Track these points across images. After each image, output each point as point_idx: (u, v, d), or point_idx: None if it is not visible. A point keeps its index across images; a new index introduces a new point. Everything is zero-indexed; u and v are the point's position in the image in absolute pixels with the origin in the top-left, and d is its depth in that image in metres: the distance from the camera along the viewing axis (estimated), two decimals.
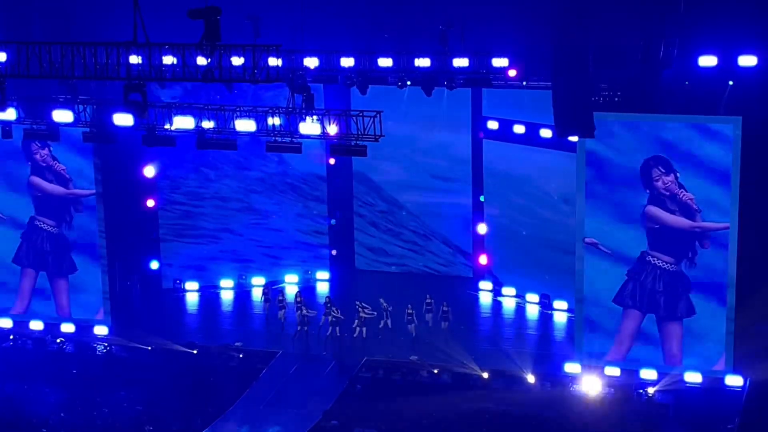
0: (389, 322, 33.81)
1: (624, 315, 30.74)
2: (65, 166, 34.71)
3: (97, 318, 34.75)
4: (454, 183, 39.40)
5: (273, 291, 35.96)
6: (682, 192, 29.91)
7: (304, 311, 34.21)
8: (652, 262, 30.40)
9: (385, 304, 34.03)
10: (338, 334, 33.72)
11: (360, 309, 33.93)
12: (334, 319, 33.81)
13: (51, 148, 34.36)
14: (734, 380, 29.89)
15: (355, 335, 33.69)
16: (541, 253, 36.30)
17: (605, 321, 30.94)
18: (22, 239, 35.66)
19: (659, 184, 30.01)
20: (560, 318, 35.22)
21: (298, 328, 34.20)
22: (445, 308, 33.87)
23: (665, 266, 30.30)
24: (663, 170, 29.83)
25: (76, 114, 27.49)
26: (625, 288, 30.66)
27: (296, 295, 35.53)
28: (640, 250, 30.36)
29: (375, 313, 33.76)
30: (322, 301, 35.45)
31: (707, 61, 28.48)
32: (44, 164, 34.95)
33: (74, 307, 35.27)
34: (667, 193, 30.01)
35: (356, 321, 33.89)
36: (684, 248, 30.06)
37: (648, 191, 30.10)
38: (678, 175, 29.74)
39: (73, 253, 35.17)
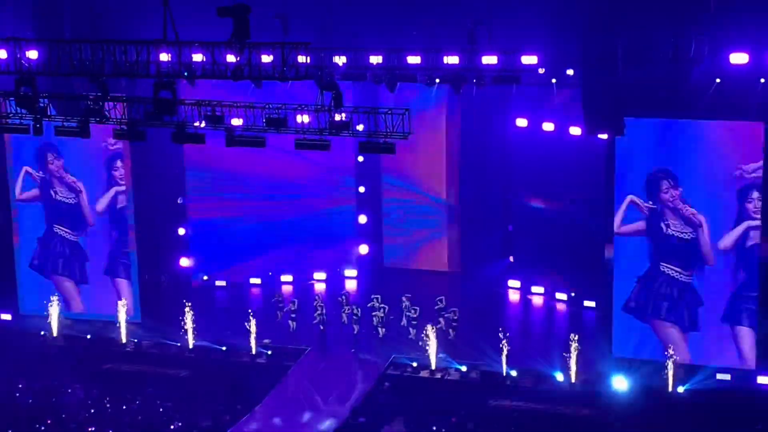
0: (405, 320, 33.95)
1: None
2: (76, 177, 35.38)
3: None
4: (482, 180, 39.35)
5: (285, 301, 35.89)
6: (685, 207, 29.87)
7: (321, 312, 34.41)
8: (664, 270, 30.40)
9: (406, 303, 34.19)
10: (355, 332, 33.86)
11: (377, 306, 34.08)
12: (353, 316, 33.93)
13: (64, 161, 35.30)
14: (765, 380, 29.69)
15: (380, 336, 33.79)
16: (570, 252, 36.20)
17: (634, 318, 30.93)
18: (39, 245, 36.34)
19: (667, 196, 29.97)
20: (589, 316, 35.08)
21: (321, 328, 34.35)
22: (453, 316, 33.72)
23: (676, 276, 30.29)
24: (672, 183, 29.79)
25: (107, 112, 27.59)
26: (635, 295, 30.79)
27: (316, 297, 35.52)
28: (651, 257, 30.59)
29: (382, 313, 33.85)
30: (342, 298, 35.60)
31: (738, 58, 28.25)
32: (57, 175, 35.55)
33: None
34: (672, 207, 29.99)
35: (374, 320, 34.01)
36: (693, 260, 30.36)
37: (651, 202, 30.11)
38: (682, 190, 29.71)
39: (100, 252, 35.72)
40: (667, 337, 30.45)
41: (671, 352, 29.80)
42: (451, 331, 33.41)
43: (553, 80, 33.06)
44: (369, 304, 34.47)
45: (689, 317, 30.46)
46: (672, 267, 30.41)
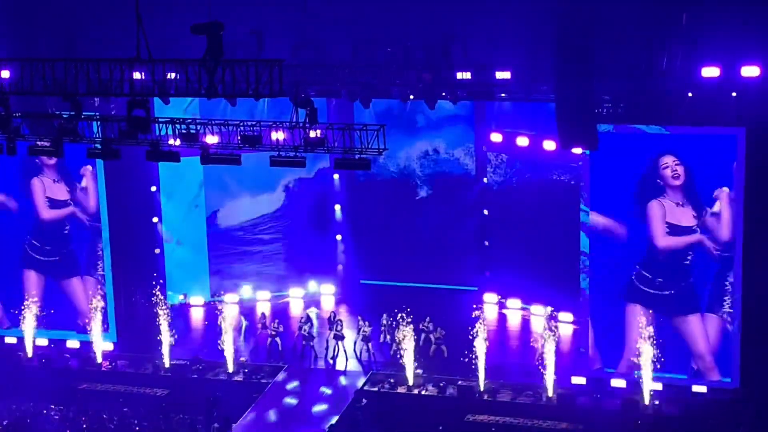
0: (389, 337, 33.87)
1: (630, 311, 30.79)
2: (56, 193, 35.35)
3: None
4: (458, 196, 39.45)
5: (269, 321, 35.71)
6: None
7: (305, 329, 34.29)
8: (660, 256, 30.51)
9: (385, 320, 34.20)
10: (344, 349, 33.75)
11: (361, 324, 34.02)
12: (337, 334, 33.84)
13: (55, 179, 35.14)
14: (741, 392, 29.82)
15: (359, 350, 33.74)
16: (546, 266, 36.31)
17: (612, 332, 30.99)
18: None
19: (667, 171, 29.98)
20: (566, 330, 35.15)
21: (303, 342, 34.22)
22: (438, 334, 33.65)
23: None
24: (677, 161, 29.81)
25: (80, 130, 27.54)
26: (633, 282, 30.74)
27: (301, 319, 35.35)
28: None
29: (369, 329, 33.84)
30: (326, 316, 35.58)
31: (710, 72, 28.48)
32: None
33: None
34: (677, 182, 29.95)
35: (358, 336, 33.93)
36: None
37: (658, 181, 30.13)
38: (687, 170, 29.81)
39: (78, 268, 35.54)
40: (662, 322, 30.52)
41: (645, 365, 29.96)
42: (443, 348, 33.34)
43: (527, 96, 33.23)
44: (358, 324, 34.45)
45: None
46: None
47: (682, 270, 30.23)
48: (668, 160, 29.93)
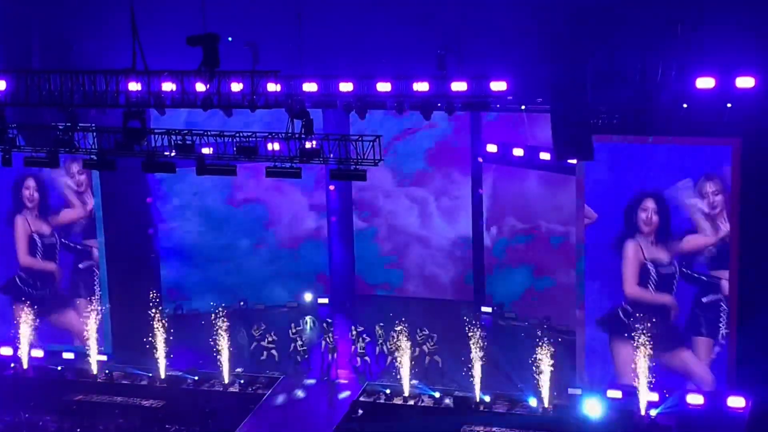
0: (385, 347, 33.81)
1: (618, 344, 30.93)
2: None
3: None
4: (454, 207, 39.45)
5: (262, 332, 35.62)
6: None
7: (300, 340, 34.28)
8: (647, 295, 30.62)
9: (380, 330, 34.15)
10: (339, 360, 33.71)
11: (356, 335, 33.98)
12: (332, 345, 33.81)
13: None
14: (737, 402, 29.81)
15: (354, 360, 33.69)
16: (542, 276, 36.30)
17: (605, 343, 31.02)
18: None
19: (642, 215, 30.09)
20: (562, 341, 35.09)
21: (299, 354, 34.18)
22: (432, 343, 33.63)
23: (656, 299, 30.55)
24: (656, 208, 29.99)
25: (76, 142, 27.56)
26: (615, 315, 30.85)
27: (296, 329, 35.30)
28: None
29: (362, 342, 33.81)
30: (321, 326, 35.52)
31: (705, 83, 28.50)
32: (30, 204, 35.64)
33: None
34: (647, 228, 30.12)
35: (353, 347, 33.90)
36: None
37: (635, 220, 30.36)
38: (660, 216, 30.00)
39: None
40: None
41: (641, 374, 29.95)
42: (436, 358, 33.30)
43: (522, 107, 33.25)
44: (350, 335, 34.41)
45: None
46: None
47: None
48: (649, 204, 30.05)
